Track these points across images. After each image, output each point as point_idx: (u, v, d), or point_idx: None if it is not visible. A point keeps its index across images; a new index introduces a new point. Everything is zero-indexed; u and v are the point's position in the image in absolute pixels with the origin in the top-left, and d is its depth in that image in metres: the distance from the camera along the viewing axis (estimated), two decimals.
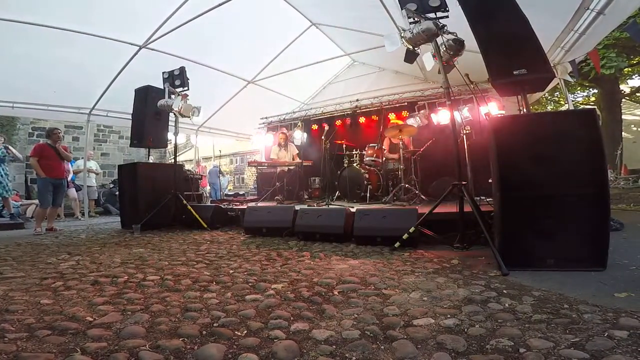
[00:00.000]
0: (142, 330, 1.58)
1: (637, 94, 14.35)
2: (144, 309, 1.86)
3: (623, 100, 12.30)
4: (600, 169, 2.31)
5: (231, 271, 2.69)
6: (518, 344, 1.33)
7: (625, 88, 13.75)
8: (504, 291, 1.99)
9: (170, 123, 6.26)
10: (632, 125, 13.27)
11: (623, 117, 11.70)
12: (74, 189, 8.56)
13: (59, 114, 6.66)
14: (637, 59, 10.93)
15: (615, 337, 1.34)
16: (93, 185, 9.42)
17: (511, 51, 2.70)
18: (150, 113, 5.75)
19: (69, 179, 8.43)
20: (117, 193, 10.22)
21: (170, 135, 6.79)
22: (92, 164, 9.55)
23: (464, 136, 5.18)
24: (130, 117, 6.15)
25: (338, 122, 8.27)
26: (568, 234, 2.32)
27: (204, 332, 1.54)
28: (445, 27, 3.09)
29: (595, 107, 12.45)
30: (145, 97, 5.77)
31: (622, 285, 1.96)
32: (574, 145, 2.37)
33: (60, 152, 5.88)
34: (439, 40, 3.19)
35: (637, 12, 7.60)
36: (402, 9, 3.17)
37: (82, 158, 7.85)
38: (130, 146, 6.38)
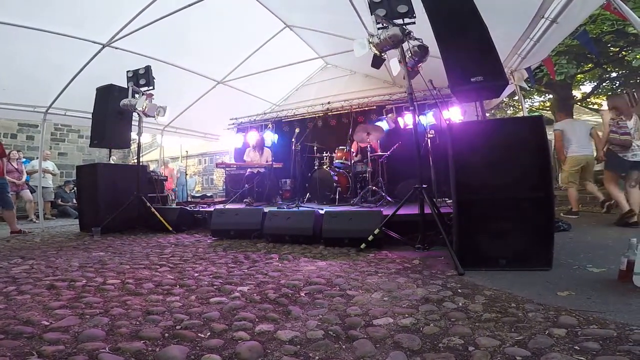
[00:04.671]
0: (101, 333, 1.55)
1: (588, 100, 15.34)
2: (103, 312, 1.82)
3: (575, 106, 13.08)
4: (546, 173, 2.48)
5: (196, 274, 2.65)
6: (468, 343, 1.40)
7: (577, 94, 14.66)
8: (459, 290, 2.09)
9: (134, 123, 6.06)
10: None
11: None
12: (28, 190, 8.07)
13: (13, 112, 6.26)
14: (588, 65, 11.60)
15: (554, 335, 1.43)
16: (49, 187, 8.92)
17: (470, 59, 2.84)
18: (113, 112, 5.53)
19: (23, 179, 7.97)
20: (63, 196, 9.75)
21: (133, 135, 6.57)
22: (49, 164, 9.05)
23: (428, 140, 5.38)
24: (91, 117, 5.89)
25: (310, 124, 8.31)
26: (518, 235, 2.47)
27: (166, 335, 1.53)
28: (412, 34, 3.20)
29: (550, 112, 13.21)
30: (108, 96, 5.54)
31: (564, 284, 2.11)
32: (523, 151, 2.53)
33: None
34: (405, 46, 3.29)
35: (587, 21, 8.15)
36: (371, 14, 3.26)
37: (37, 158, 7.41)
38: (90, 146, 6.11)
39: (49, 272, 2.76)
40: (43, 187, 7.58)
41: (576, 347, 1.33)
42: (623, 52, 9.91)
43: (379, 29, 3.26)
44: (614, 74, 12.70)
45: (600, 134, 5.26)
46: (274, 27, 6.64)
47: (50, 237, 5.06)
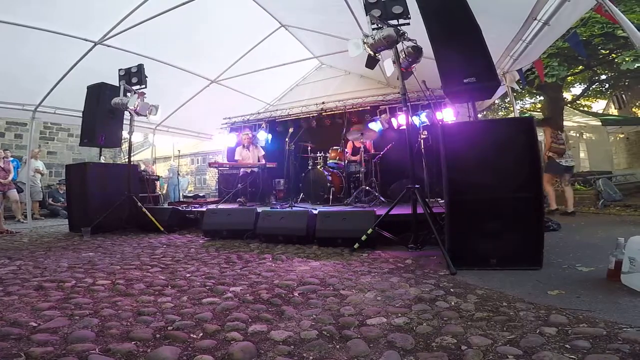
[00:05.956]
0: (91, 334, 1.53)
1: (578, 102, 15.57)
2: (93, 313, 1.80)
3: (565, 107, 13.25)
4: (535, 174, 2.51)
5: (188, 275, 2.63)
6: (460, 342, 1.41)
7: (567, 95, 14.87)
8: (451, 290, 2.11)
9: (125, 122, 6.00)
10: (572, 132, 14.36)
11: (564, 123, 12.60)
12: (15, 190, 7.91)
13: (0, 110, 6.16)
14: (579, 68, 11.73)
15: (545, 334, 1.45)
16: (37, 186, 8.77)
17: (463, 60, 2.85)
18: (104, 111, 5.45)
19: (9, 178, 7.80)
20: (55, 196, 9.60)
21: (124, 134, 6.50)
22: (38, 164, 8.90)
23: (421, 140, 5.41)
24: (81, 115, 5.81)
25: (304, 124, 8.28)
26: (508, 235, 2.49)
27: (158, 336, 1.52)
28: (406, 35, 3.21)
29: (541, 113, 13.38)
30: (99, 95, 5.46)
31: (554, 283, 2.14)
32: (514, 151, 2.56)
33: None
34: (399, 47, 3.30)
35: (578, 24, 8.26)
36: (366, 15, 3.27)
37: (25, 157, 7.30)
38: (80, 145, 6.03)
39: (37, 273, 2.72)
40: (31, 186, 7.46)
41: (567, 346, 1.34)
42: (613, 55, 10.06)
43: (373, 29, 3.26)
44: (603, 77, 12.88)
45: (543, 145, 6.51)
46: (269, 26, 6.61)
47: (39, 238, 4.98)
